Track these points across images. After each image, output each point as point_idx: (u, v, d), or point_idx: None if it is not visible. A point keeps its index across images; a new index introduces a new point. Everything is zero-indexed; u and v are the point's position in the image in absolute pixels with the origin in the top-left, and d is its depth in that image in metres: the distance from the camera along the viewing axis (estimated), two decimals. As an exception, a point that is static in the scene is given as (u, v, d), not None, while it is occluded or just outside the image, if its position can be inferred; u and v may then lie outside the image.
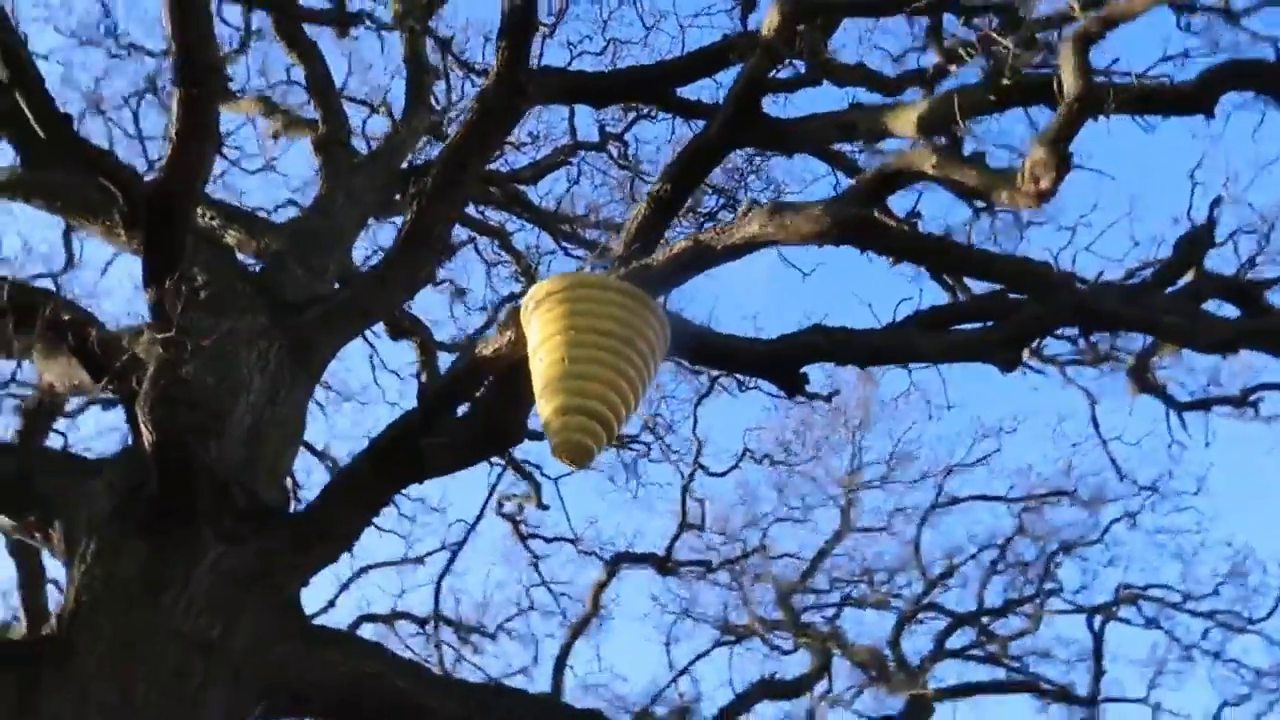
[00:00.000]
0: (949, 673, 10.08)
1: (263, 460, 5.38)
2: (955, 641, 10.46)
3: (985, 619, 10.31)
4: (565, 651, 8.57)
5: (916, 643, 10.63)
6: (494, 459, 10.60)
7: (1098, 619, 9.78)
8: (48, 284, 9.45)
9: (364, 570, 8.40)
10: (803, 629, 9.97)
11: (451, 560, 7.62)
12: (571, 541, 10.59)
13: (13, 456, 5.56)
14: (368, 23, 9.19)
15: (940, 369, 8.46)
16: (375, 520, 9.01)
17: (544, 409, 3.52)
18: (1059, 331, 8.46)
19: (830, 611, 10.47)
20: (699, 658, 8.82)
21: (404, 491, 9.32)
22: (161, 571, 4.47)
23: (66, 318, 5.41)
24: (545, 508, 10.10)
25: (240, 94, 10.79)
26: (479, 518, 7.26)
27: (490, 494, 7.20)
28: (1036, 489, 10.43)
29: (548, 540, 10.85)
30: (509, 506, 10.57)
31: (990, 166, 3.40)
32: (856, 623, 10.77)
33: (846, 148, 6.72)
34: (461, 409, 4.85)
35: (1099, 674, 9.26)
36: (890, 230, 3.61)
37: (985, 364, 4.41)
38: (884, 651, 9.74)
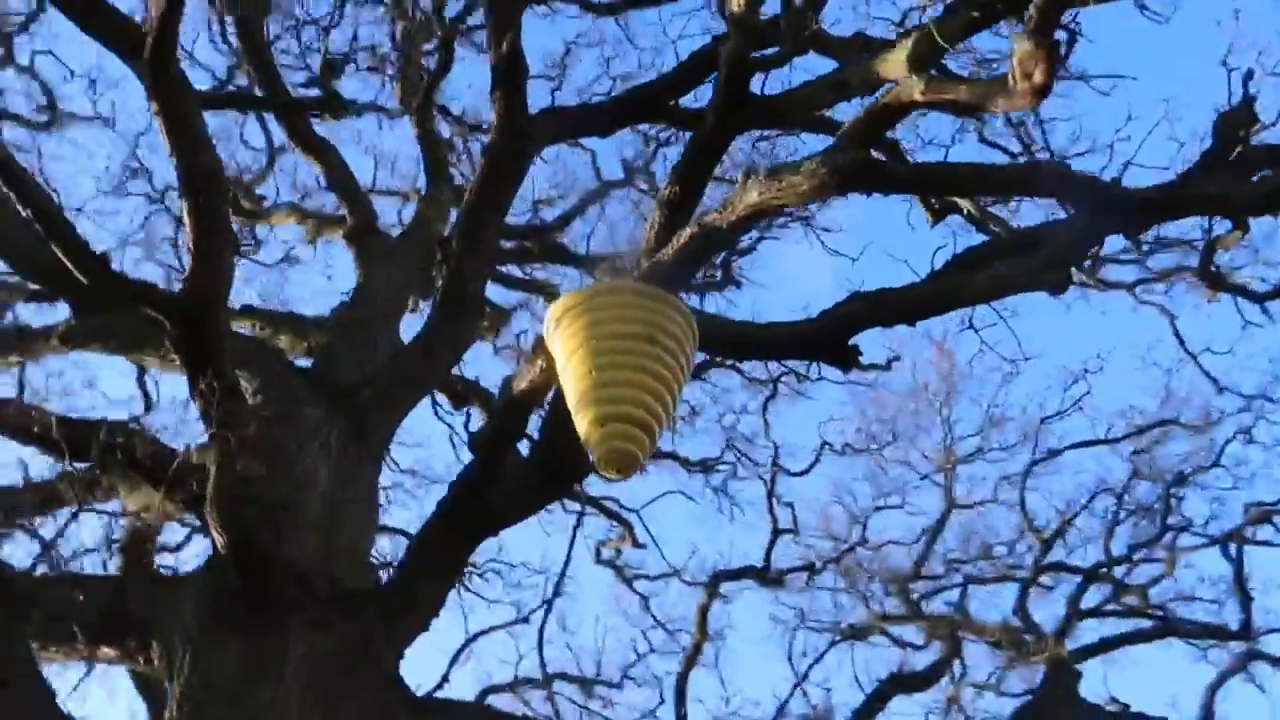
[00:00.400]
0: (1091, 635, 9.58)
1: (340, 545, 5.41)
2: (1090, 601, 9.96)
3: (1116, 569, 9.79)
4: (682, 683, 8.39)
5: (1053, 610, 10.17)
6: (581, 507, 10.58)
7: (1232, 547, 9.22)
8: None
9: (473, 639, 8.37)
10: (925, 617, 9.62)
11: (547, 614, 7.55)
12: (675, 574, 10.45)
13: (106, 587, 5.69)
14: (354, 109, 9.37)
15: (1010, 322, 8.21)
16: (484, 590, 9.05)
17: (580, 425, 3.44)
18: (1114, 253, 8.18)
19: (951, 594, 10.09)
20: (815, 662, 8.52)
21: (508, 559, 9.37)
22: (256, 668, 4.49)
23: (147, 450, 5.57)
24: (641, 546, 10.01)
25: (272, 207, 11.16)
26: (566, 564, 7.18)
27: (572, 540, 7.11)
28: (1139, 425, 9.94)
29: (652, 578, 10.73)
30: (607, 552, 10.50)
31: (980, 79, 3.26)
32: (981, 601, 10.36)
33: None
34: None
35: (1247, 603, 8.69)
36: (893, 167, 3.48)
37: (1034, 291, 4.21)
38: (1015, 624, 9.32)
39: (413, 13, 10.45)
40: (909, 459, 10.46)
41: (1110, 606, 10.02)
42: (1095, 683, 10.90)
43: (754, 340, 4.84)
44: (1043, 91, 2.99)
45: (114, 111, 11.48)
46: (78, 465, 5.21)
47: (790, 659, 8.60)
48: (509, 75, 6.29)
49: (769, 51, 4.89)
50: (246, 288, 11.80)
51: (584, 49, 10.60)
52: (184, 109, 4.78)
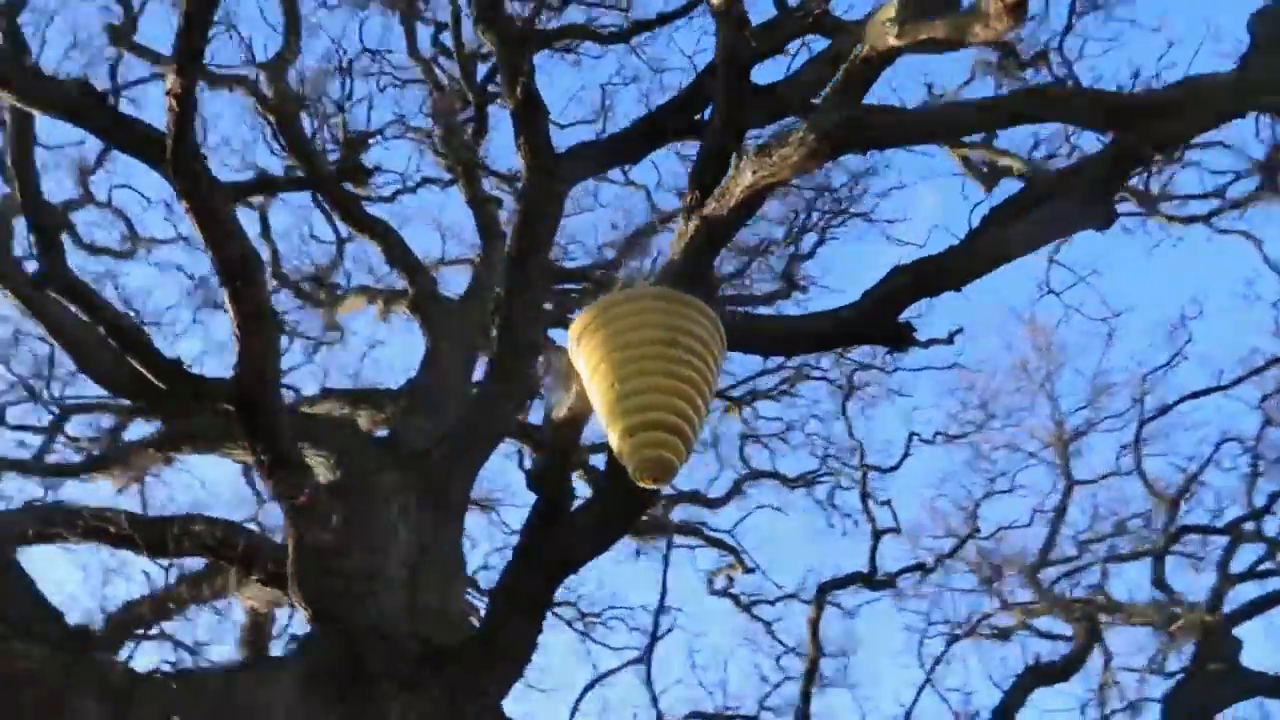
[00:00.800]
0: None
1: (428, 604, 5.41)
2: (1242, 564, 9.25)
3: (1264, 526, 9.09)
4: (804, 703, 8.07)
5: (1203, 579, 9.49)
6: (690, 541, 10.44)
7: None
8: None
9: (591, 686, 8.24)
10: (1059, 602, 9.09)
11: (649, 652, 7.37)
12: (794, 596, 10.18)
13: (217, 677, 5.81)
14: (374, 173, 9.60)
15: (1092, 282, 7.84)
16: (609, 638, 8.91)
17: (611, 439, 3.35)
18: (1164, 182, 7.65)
19: (1087, 577, 9.51)
20: (937, 661, 8.07)
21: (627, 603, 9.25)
22: (355, 737, 4.48)
23: (218, 536, 5.71)
24: (751, 570, 9.79)
25: (345, 293, 11.51)
26: (662, 599, 7.01)
27: (664, 572, 6.96)
28: (1256, 365, 9.26)
29: (771, 602, 10.47)
30: (719, 582, 10.30)
31: (956, 12, 3.09)
32: (1122, 580, 9.74)
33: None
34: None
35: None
36: (879, 120, 3.32)
37: (1078, 231, 3.97)
38: (1161, 599, 8.72)
39: (445, 83, 10.75)
40: (1012, 441, 9.98)
41: (1265, 566, 9.30)
42: (1259, 650, 10.13)
43: (801, 334, 4.69)
44: (1017, 10, 2.80)
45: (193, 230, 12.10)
46: (172, 561, 5.34)
47: (921, 663, 8.20)
48: (528, 118, 6.35)
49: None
50: (339, 374, 12.21)
51: (620, 88, 10.67)
52: (212, 202, 4.93)
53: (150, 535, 5.24)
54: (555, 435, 4.23)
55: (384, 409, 8.05)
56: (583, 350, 3.54)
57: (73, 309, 6.51)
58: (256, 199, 10.76)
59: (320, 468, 6.80)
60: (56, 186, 11.02)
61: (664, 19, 8.05)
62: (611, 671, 7.69)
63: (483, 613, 5.66)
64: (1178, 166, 6.28)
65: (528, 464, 9.95)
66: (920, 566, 9.16)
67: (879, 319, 4.45)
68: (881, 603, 10.17)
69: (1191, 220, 7.60)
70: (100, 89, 5.20)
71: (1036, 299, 7.81)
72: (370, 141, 10.05)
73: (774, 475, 10.64)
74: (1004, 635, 9.80)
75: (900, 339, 4.61)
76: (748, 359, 10.73)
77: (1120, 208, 7.60)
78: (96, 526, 5.15)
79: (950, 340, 5.88)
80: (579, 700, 7.81)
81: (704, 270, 3.65)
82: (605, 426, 3.40)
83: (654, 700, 7.21)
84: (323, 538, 4.83)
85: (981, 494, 9.73)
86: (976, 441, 9.83)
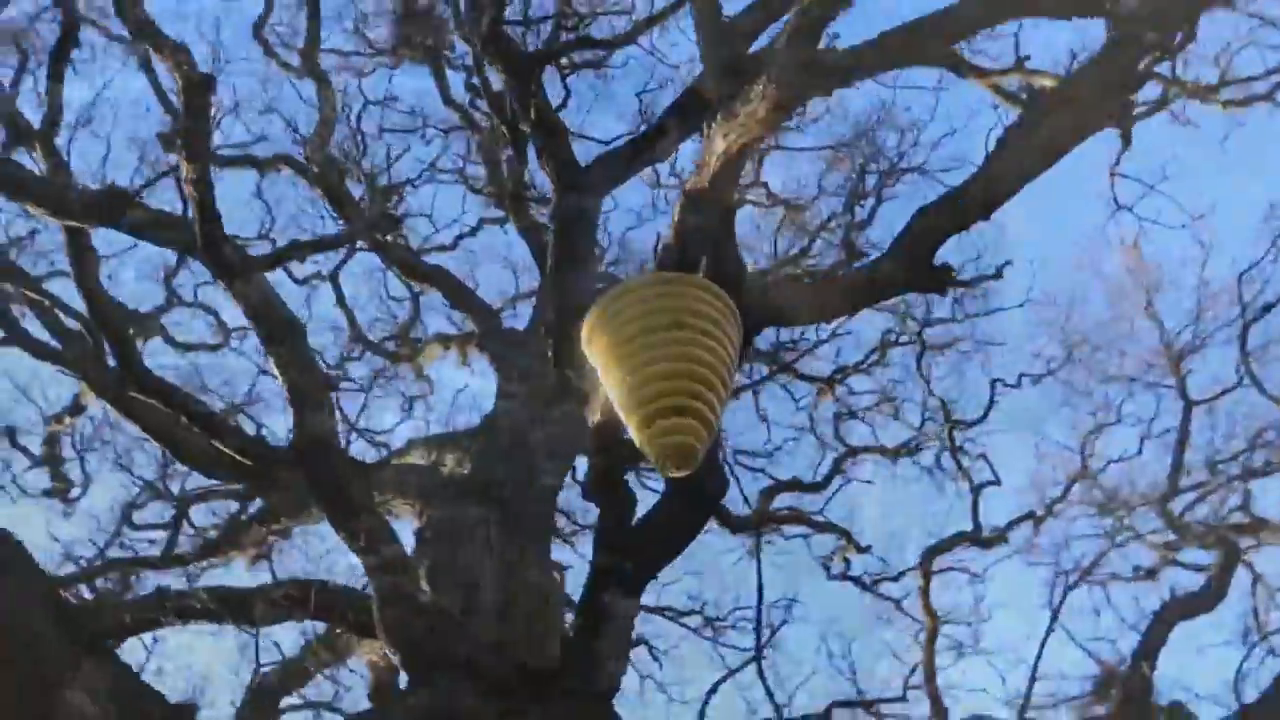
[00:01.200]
0: None
1: (521, 630, 5.43)
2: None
3: None
4: (930, 672, 7.76)
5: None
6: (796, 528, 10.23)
7: None
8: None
9: (713, 690, 8.12)
10: (1195, 530, 8.54)
11: (759, 645, 7.21)
12: (917, 568, 9.84)
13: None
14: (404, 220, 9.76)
15: (1162, 188, 7.40)
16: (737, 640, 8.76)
17: (633, 434, 3.29)
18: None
19: (1222, 499, 8.90)
20: (1056, 611, 7.57)
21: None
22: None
23: (330, 598, 5.86)
24: (865, 550, 9.53)
25: (423, 345, 11.75)
26: (760, 592, 6.84)
27: (758, 565, 6.81)
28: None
29: (895, 578, 10.16)
30: (835, 566, 10.05)
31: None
32: (1264, 498, 9.08)
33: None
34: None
35: None
36: (838, 59, 3.18)
37: (1098, 131, 3.75)
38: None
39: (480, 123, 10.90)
40: (1112, 371, 9.43)
41: None
42: None
43: (838, 292, 4.56)
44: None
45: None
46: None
47: (1055, 617, 7.77)
48: (546, 136, 6.39)
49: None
50: (436, 424, 12.42)
51: (657, 92, 10.60)
52: (247, 275, 5.10)
53: (234, 607, 5.40)
54: (597, 441, 4.19)
55: (465, 448, 8.16)
56: (594, 350, 3.50)
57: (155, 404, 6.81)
58: (320, 268, 11.09)
59: (408, 514, 6.94)
60: (146, 293, 11.56)
61: (652, 20, 8.00)
62: (731, 673, 7.57)
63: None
64: (1191, 45, 5.80)
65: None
66: (1030, 516, 8.73)
67: (913, 265, 4.29)
68: (1009, 561, 9.77)
69: (1253, 100, 7.07)
70: (130, 189, 5.42)
71: (1108, 219, 7.37)
72: (409, 190, 10.23)
73: (874, 450, 10.36)
74: (1148, 575, 9.27)
75: (939, 282, 4.44)
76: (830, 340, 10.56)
77: (1175, 107, 7.21)
78: (184, 606, 5.34)
79: (999, 275, 5.59)
80: (705, 703, 7.72)
81: (697, 247, 3.56)
82: (626, 422, 3.35)
83: (770, 695, 7.05)
84: (405, 582, 4.88)
85: (1088, 429, 9.20)
86: (1071, 379, 9.33)
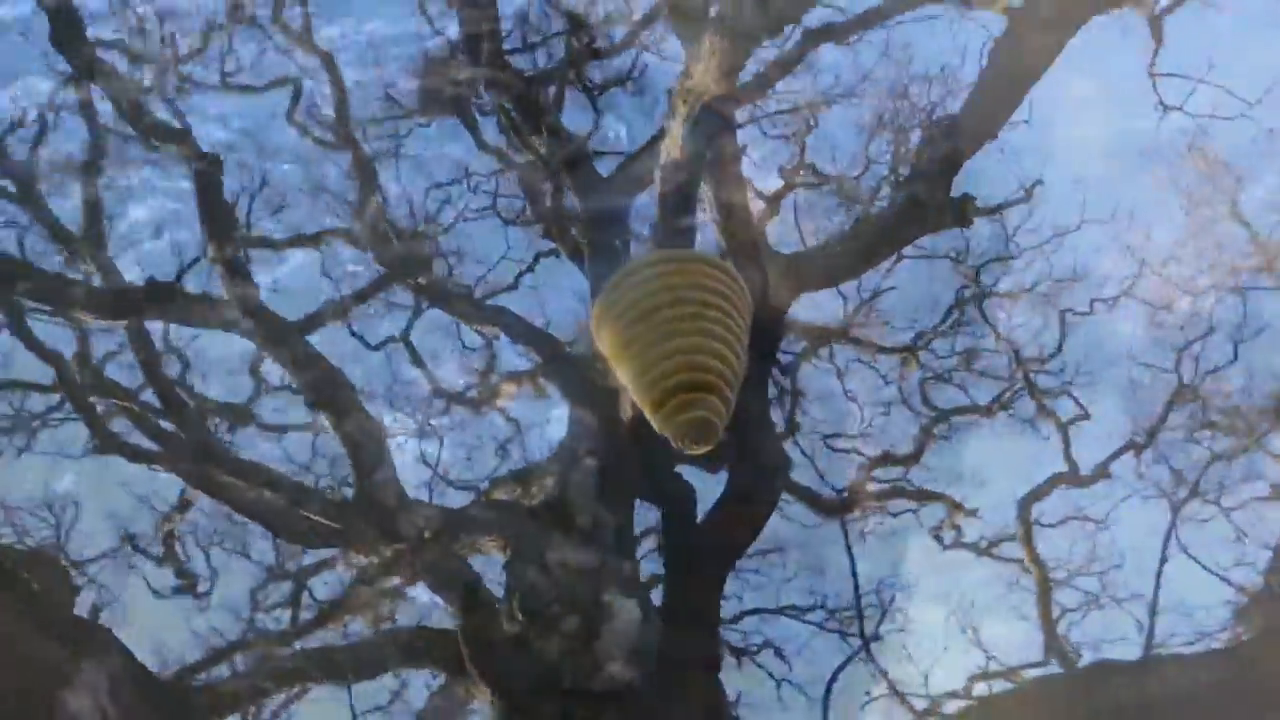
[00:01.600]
0: None
1: (608, 648, 5.36)
2: None
3: None
4: (1047, 623, 7.35)
5: None
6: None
7: None
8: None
9: (834, 677, 7.85)
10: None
11: (862, 630, 6.97)
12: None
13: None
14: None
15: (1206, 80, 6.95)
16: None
17: (652, 421, 3.23)
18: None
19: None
20: (1169, 534, 7.01)
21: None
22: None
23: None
24: (973, 513, 9.16)
25: (498, 385, 11.87)
26: (854, 573, 6.60)
27: (848, 547, 6.57)
28: None
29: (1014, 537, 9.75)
30: (948, 536, 9.70)
31: None
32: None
33: None
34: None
35: None
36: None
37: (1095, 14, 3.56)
38: None
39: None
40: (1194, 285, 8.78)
41: None
42: None
43: (864, 244, 4.44)
44: None
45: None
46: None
47: (1183, 547, 7.27)
48: (559, 146, 6.42)
49: None
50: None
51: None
52: (284, 338, 5.23)
53: (327, 665, 5.48)
54: (630, 436, 4.12)
55: (544, 478, 8.16)
56: (606, 348, 3.45)
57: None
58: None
59: (493, 550, 6.96)
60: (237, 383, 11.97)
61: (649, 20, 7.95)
62: (845, 663, 7.29)
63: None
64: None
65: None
66: (1131, 446, 8.22)
67: (929, 200, 4.14)
68: (1136, 504, 9.23)
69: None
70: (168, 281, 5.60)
71: (1157, 124, 6.93)
72: (454, 233, 10.34)
73: (966, 410, 9.98)
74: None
75: (963, 212, 4.27)
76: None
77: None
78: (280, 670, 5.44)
79: (1029, 195, 5.29)
80: (827, 694, 7.46)
81: (682, 219, 3.47)
82: (642, 408, 3.29)
83: (883, 674, 6.79)
84: (487, 619, 4.90)
85: (1183, 344, 8.58)
86: (1149, 298, 8.74)
